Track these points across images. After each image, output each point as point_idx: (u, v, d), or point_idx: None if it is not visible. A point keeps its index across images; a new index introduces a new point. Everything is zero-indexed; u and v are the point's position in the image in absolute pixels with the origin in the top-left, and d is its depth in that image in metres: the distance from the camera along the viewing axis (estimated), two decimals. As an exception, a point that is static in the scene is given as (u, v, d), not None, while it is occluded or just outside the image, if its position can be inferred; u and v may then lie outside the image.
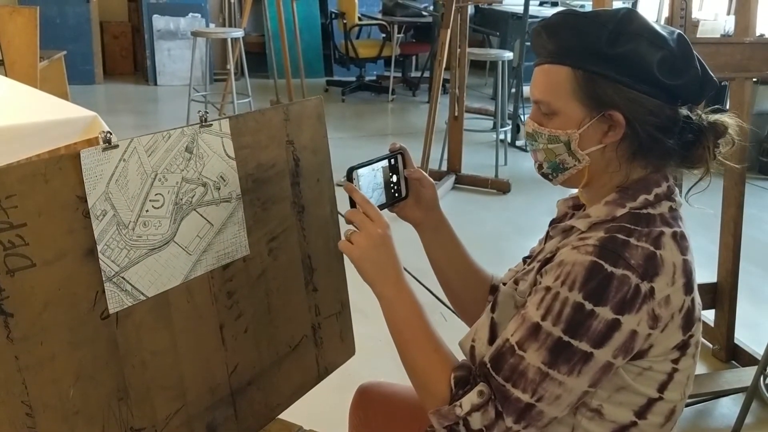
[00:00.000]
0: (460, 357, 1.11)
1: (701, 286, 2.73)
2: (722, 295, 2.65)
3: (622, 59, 1.00)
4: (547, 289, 0.99)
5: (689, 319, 1.02)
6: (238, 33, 5.59)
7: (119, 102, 6.63)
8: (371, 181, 1.20)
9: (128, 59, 7.71)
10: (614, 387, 1.02)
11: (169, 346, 1.13)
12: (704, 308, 2.70)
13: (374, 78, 7.75)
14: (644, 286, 0.96)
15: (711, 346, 2.72)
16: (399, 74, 7.58)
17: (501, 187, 4.58)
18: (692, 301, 1.02)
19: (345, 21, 6.95)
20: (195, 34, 5.59)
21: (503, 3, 6.26)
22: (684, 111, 1.03)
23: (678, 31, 1.05)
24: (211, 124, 1.20)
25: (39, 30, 5.01)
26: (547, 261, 1.05)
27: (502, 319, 1.10)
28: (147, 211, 1.09)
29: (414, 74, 7.84)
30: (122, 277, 1.05)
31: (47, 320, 0.95)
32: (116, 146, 1.04)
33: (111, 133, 1.04)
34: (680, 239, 1.02)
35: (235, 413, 1.27)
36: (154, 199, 1.10)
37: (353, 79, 7.42)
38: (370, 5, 7.83)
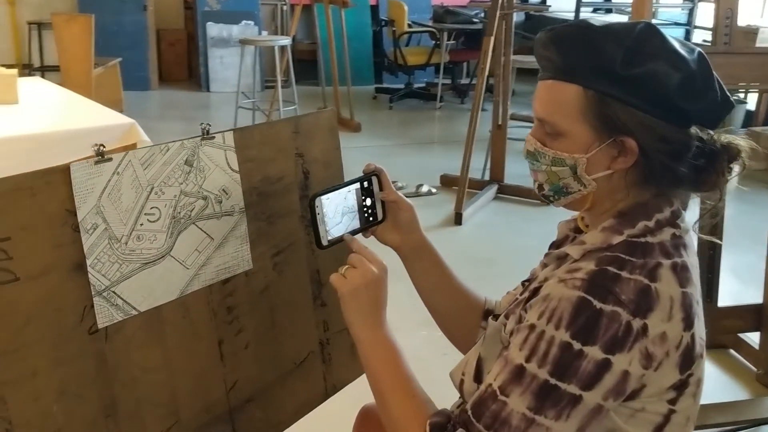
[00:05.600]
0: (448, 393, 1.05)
1: (746, 308, 2.62)
2: (768, 316, 2.53)
3: (639, 81, 0.93)
4: (531, 327, 0.93)
5: (688, 357, 0.94)
6: (285, 41, 5.63)
7: (171, 108, 6.75)
8: (340, 205, 1.17)
9: (183, 66, 7.85)
10: (604, 430, 0.94)
11: (162, 363, 1.12)
12: (749, 330, 2.58)
13: (423, 85, 7.71)
14: (636, 323, 0.89)
15: (755, 370, 2.59)
16: (449, 81, 7.52)
17: (545, 198, 4.49)
18: (692, 336, 0.94)
19: (394, 29, 6.94)
20: (243, 42, 5.65)
21: (554, 10, 6.17)
22: (695, 131, 0.96)
23: (698, 49, 0.97)
24: (214, 137, 1.18)
25: (94, 37, 5.14)
26: (536, 291, 0.98)
27: (488, 355, 1.04)
28: (141, 224, 1.08)
29: (464, 81, 7.78)
30: (113, 292, 1.04)
31: (29, 335, 0.94)
32: (109, 159, 1.03)
33: (104, 146, 1.03)
34: (681, 270, 0.94)
35: (234, 431, 1.25)
36: (149, 212, 1.09)
37: (402, 86, 7.40)
38: (421, 12, 7.80)
